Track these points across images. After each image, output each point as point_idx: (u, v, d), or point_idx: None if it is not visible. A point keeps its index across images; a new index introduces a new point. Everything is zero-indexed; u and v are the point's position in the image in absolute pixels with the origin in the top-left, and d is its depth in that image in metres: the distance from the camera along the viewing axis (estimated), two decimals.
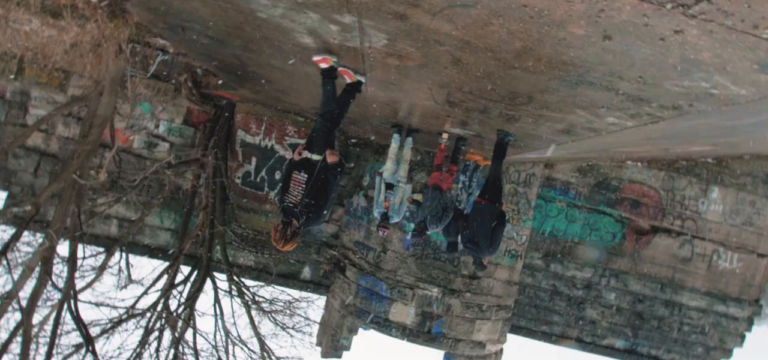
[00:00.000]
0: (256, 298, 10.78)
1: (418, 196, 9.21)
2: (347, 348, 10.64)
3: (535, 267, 11.25)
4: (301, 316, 11.41)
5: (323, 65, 4.24)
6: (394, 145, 7.21)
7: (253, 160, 10.81)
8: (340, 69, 4.31)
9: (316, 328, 11.39)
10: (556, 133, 5.19)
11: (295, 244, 4.03)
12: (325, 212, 4.36)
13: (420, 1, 2.73)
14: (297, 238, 3.98)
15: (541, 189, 10.73)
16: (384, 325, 9.70)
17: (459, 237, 6.35)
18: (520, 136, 5.76)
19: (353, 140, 10.61)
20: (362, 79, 4.54)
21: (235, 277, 10.61)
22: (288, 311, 11.16)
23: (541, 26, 2.60)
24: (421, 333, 9.63)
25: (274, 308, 11.01)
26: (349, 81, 4.51)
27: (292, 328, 11.15)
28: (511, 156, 7.16)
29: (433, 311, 9.56)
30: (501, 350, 10.73)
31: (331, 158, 4.12)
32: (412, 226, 8.69)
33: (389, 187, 7.09)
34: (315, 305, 11.66)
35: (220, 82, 7.32)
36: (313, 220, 4.25)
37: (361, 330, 10.47)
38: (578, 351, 11.97)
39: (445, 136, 6.81)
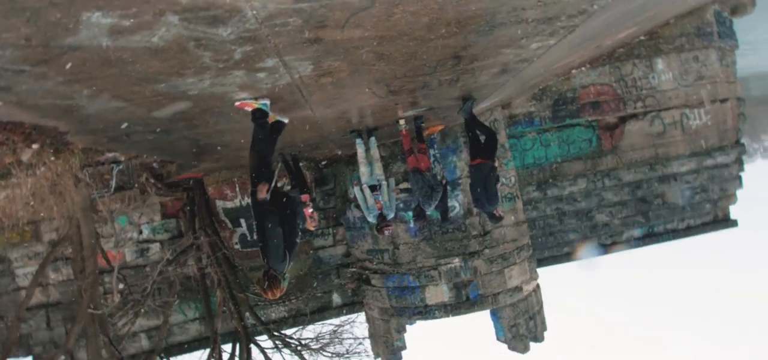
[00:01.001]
0: (303, 342, 10.83)
1: (405, 184, 9.38)
2: (404, 347, 10.75)
3: (534, 200, 11.51)
4: (350, 338, 11.46)
5: (247, 109, 4.31)
6: (360, 151, 7.34)
7: (242, 222, 10.85)
8: (238, 103, 4.25)
9: (367, 343, 11.46)
10: (495, 76, 5.39)
11: (281, 288, 4.11)
12: (296, 241, 4.47)
13: (326, 22, 2.88)
14: (278, 281, 4.06)
15: (508, 129, 10.99)
16: (426, 312, 9.86)
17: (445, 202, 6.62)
18: (469, 92, 5.96)
19: (323, 163, 10.71)
20: (265, 105, 4.36)
21: (275, 333, 10.66)
22: (336, 339, 11.22)
23: None
24: (461, 304, 9.80)
25: (322, 343, 11.06)
26: (249, 109, 4.38)
27: (347, 354, 11.19)
28: (454, 114, 7.37)
29: (462, 279, 9.75)
30: (537, 286, 10.95)
31: (261, 194, 4.14)
32: (411, 213, 8.79)
33: (374, 188, 7.17)
34: (357, 323, 11.73)
35: (175, 167, 7.38)
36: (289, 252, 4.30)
37: (408, 326, 10.60)
38: (604, 256, 12.23)
39: (402, 122, 6.97)
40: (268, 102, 4.30)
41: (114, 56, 2.78)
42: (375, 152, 7.44)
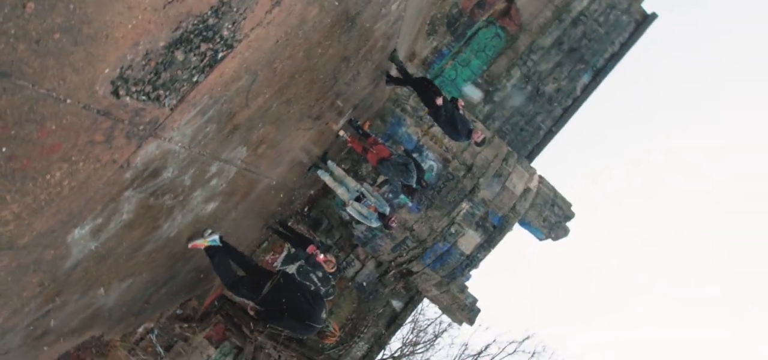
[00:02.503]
0: (396, 356, 11.17)
1: (381, 178, 9.83)
2: (475, 301, 11.19)
3: (488, 112, 12.10)
4: (429, 322, 11.90)
5: (201, 247, 4.80)
6: (327, 179, 7.79)
7: None
8: (193, 244, 4.79)
9: (445, 318, 11.86)
10: (382, 50, 5.90)
11: (331, 331, 4.74)
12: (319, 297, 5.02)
13: (233, 111, 3.34)
14: (324, 331, 4.72)
15: (427, 73, 11.52)
16: (470, 261, 10.30)
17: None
18: (371, 72, 6.46)
19: (306, 210, 11.10)
20: (214, 240, 4.96)
21: None
22: (420, 332, 11.64)
23: (250, 43, 3.25)
24: (492, 235, 10.22)
25: (414, 339, 11.44)
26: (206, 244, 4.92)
27: (434, 337, 11.61)
28: (378, 95, 7.86)
29: (479, 214, 10.17)
30: (540, 177, 11.41)
31: (252, 312, 4.75)
32: (403, 198, 9.21)
33: (359, 199, 7.55)
34: (426, 309, 12.16)
35: (197, 300, 7.72)
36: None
37: (466, 282, 11.05)
38: (577, 115, 12.86)
39: (341, 133, 7.44)
40: (216, 236, 4.80)
41: (104, 250, 3.21)
42: (338, 172, 7.89)
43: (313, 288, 9.47)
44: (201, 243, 4.71)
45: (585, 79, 12.72)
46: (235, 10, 2.41)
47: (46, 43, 1.65)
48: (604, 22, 12.60)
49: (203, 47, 2.43)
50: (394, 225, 7.29)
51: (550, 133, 12.60)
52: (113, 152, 2.47)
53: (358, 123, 7.66)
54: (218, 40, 2.49)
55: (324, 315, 4.79)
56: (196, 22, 2.23)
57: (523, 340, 11.00)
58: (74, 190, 2.44)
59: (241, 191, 4.96)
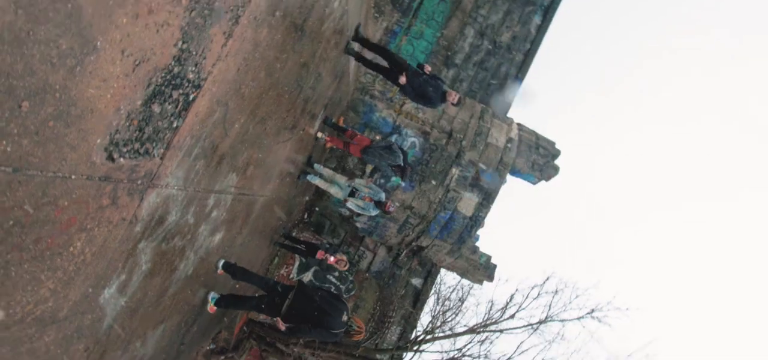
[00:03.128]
0: (429, 330, 11.29)
1: (369, 167, 10.06)
2: (489, 258, 11.49)
3: (453, 76, 12.34)
4: (451, 289, 12.15)
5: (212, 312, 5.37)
6: (318, 182, 8.01)
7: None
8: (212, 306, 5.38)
9: (466, 282, 12.11)
10: (336, 45, 6.09)
11: (358, 327, 5.06)
12: (340, 297, 5.31)
13: (215, 143, 3.55)
14: (349, 329, 5.02)
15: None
16: (474, 222, 10.52)
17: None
18: (332, 70, 6.65)
19: (306, 217, 11.34)
20: (214, 298, 5.45)
21: (407, 345, 11.18)
22: (446, 301, 11.85)
23: (215, 78, 3.46)
24: (487, 196, 10.46)
25: (441, 309, 11.66)
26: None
27: (460, 302, 11.79)
28: (344, 89, 8.04)
29: (470, 175, 10.39)
30: (518, 124, 11.66)
31: (281, 327, 5.09)
32: (396, 180, 9.40)
33: (352, 194, 7.75)
34: (446, 278, 12.39)
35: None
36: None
37: (476, 242, 11.33)
38: (540, 53, 13.13)
39: (319, 135, 7.64)
40: (214, 296, 5.32)
41: (133, 303, 3.43)
42: (327, 172, 8.11)
43: (333, 289, 9.75)
44: (211, 307, 5.29)
45: (536, 19, 12.97)
46: (194, 53, 2.61)
47: (44, 132, 1.86)
48: None
49: (175, 94, 2.64)
50: (392, 209, 7.46)
51: (521, 76, 12.86)
52: (121, 211, 2.69)
53: (333, 121, 7.86)
54: (186, 84, 2.69)
55: (345, 318, 5.03)
56: (163, 74, 2.44)
57: (544, 282, 11.29)
58: (96, 255, 2.66)
59: (241, 216, 5.17)
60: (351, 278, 11.38)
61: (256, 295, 5.90)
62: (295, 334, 5.14)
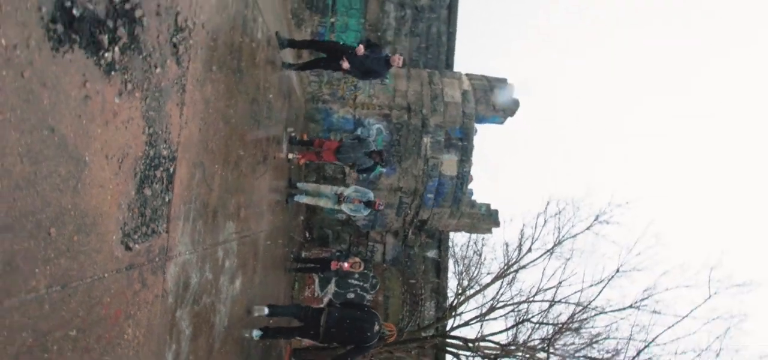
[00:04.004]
0: (462, 290, 11.57)
1: (353, 174, 10.32)
2: (489, 206, 12.09)
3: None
4: (469, 248, 12.61)
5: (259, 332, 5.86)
6: (305, 199, 8.33)
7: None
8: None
9: (476, 236, 12.53)
10: (273, 66, 6.37)
11: (390, 331, 5.66)
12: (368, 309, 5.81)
13: (204, 200, 3.85)
14: (383, 339, 5.58)
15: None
16: (462, 178, 11.02)
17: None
18: (277, 93, 6.93)
19: (307, 236, 11.65)
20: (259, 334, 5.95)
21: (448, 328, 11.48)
22: (464, 261, 12.22)
23: (184, 145, 3.76)
24: (464, 146, 10.95)
25: (464, 269, 12.03)
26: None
27: (479, 256, 12.16)
28: (295, 105, 8.31)
29: (441, 138, 10.80)
30: (467, 75, 12.06)
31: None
32: (377, 168, 9.60)
33: (341, 201, 8.02)
34: (458, 238, 12.81)
35: None
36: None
37: (471, 196, 11.76)
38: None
39: (290, 156, 7.92)
40: (258, 332, 5.78)
41: None
42: (310, 187, 8.42)
43: (359, 290, 10.10)
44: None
45: None
46: (160, 132, 2.91)
47: (73, 247, 2.16)
48: None
49: (158, 173, 2.94)
50: (381, 207, 7.79)
51: (451, 35, 13.22)
52: (152, 290, 2.99)
53: (297, 138, 8.14)
54: (164, 161, 3.00)
55: (377, 327, 5.48)
56: (143, 161, 2.74)
57: (546, 208, 11.72)
58: (146, 335, 2.97)
59: (250, 256, 5.48)
60: (371, 274, 11.76)
61: (292, 326, 6.32)
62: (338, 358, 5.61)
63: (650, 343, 9.60)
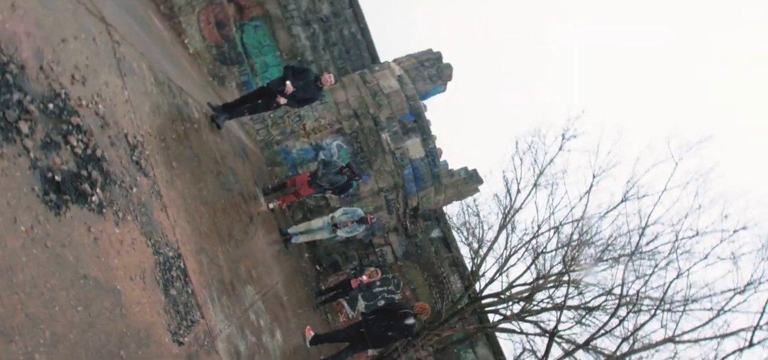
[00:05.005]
0: (480, 257, 12.16)
1: (335, 198, 10.71)
2: (465, 168, 12.80)
3: (318, 71, 13.11)
4: (459, 216, 13.21)
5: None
6: (302, 239, 8.73)
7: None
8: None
9: (467, 201, 13.15)
10: (215, 133, 6.73)
11: (424, 308, 5.96)
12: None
13: (220, 277, 4.24)
14: (419, 320, 6.02)
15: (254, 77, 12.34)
16: (431, 154, 11.73)
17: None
18: (235, 157, 7.30)
19: (318, 268, 12.03)
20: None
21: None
22: (465, 226, 12.80)
23: (182, 239, 4.15)
24: (421, 127, 11.67)
25: (469, 235, 12.63)
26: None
27: (477, 217, 12.73)
28: (254, 159, 8.65)
29: (398, 128, 11.39)
30: (393, 63, 12.62)
31: None
32: (354, 183, 9.94)
33: (338, 227, 8.43)
34: (451, 209, 13.40)
35: None
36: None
37: (447, 167, 12.41)
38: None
39: (271, 206, 8.28)
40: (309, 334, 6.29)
41: None
42: (302, 226, 8.77)
43: (387, 296, 10.61)
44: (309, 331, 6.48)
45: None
46: (160, 239, 3.31)
47: (140, 359, 2.56)
48: None
49: (173, 272, 3.33)
50: (374, 220, 8.27)
51: (364, 31, 13.72)
52: None
53: (269, 187, 8.52)
54: (173, 260, 3.39)
55: (411, 320, 6.14)
56: (158, 268, 3.13)
57: (517, 147, 12.33)
58: None
59: (278, 308, 5.88)
60: (391, 276, 12.27)
61: (343, 349, 6.83)
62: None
63: (646, 225, 10.05)
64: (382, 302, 11.71)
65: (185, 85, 5.90)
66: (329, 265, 12.19)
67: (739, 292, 8.32)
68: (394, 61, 12.78)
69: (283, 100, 6.47)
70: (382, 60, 13.22)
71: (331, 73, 6.70)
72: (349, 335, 6.72)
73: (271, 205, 8.27)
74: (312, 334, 6.81)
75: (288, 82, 6.20)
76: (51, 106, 2.63)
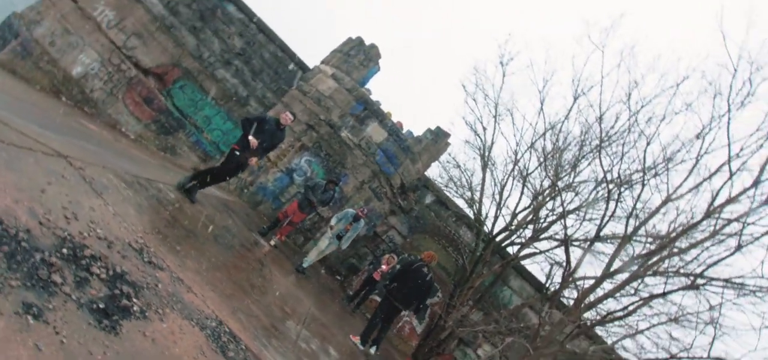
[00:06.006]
0: (479, 201, 12.67)
1: (323, 209, 11.07)
2: (433, 129, 13.28)
3: (257, 102, 13.28)
4: (442, 176, 13.72)
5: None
6: (313, 260, 9.07)
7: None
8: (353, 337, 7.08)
9: (443, 158, 13.61)
10: (192, 202, 7.00)
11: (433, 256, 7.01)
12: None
13: (263, 325, 4.61)
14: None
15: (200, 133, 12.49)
16: (393, 132, 12.24)
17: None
18: (223, 218, 7.57)
19: (339, 278, 12.44)
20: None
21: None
22: (456, 181, 13.32)
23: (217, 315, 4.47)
24: (373, 110, 12.20)
25: (461, 185, 13.13)
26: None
27: (459, 168, 13.20)
28: (241, 213, 8.91)
29: (352, 121, 11.90)
30: (321, 65, 13.10)
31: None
32: (336, 188, 10.32)
33: (341, 236, 8.83)
34: (433, 172, 13.84)
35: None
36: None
37: (412, 136, 12.86)
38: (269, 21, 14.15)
39: (272, 242, 8.61)
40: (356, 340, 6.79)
41: None
42: (313, 252, 8.99)
43: (412, 266, 11.37)
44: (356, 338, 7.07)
45: (230, 8, 13.96)
46: (198, 315, 3.65)
47: None
48: None
49: (223, 338, 3.69)
50: (365, 211, 8.80)
51: (283, 46, 13.92)
52: None
53: (265, 228, 8.83)
54: (217, 328, 3.74)
55: (426, 269, 7.02)
56: (211, 339, 3.49)
57: (465, 91, 12.79)
58: None
59: (320, 328, 6.28)
60: (407, 255, 12.81)
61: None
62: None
63: (602, 114, 10.58)
64: None
65: (149, 173, 6.15)
66: (347, 271, 12.62)
67: (705, 134, 8.92)
68: (322, 62, 13.24)
69: (254, 161, 6.55)
70: (311, 66, 13.63)
71: (285, 111, 6.81)
72: (383, 311, 7.23)
73: (272, 243, 8.61)
74: (357, 338, 7.23)
75: (250, 138, 6.28)
76: (64, 250, 2.93)
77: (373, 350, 7.16)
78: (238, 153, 6.34)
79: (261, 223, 9.53)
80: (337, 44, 13.44)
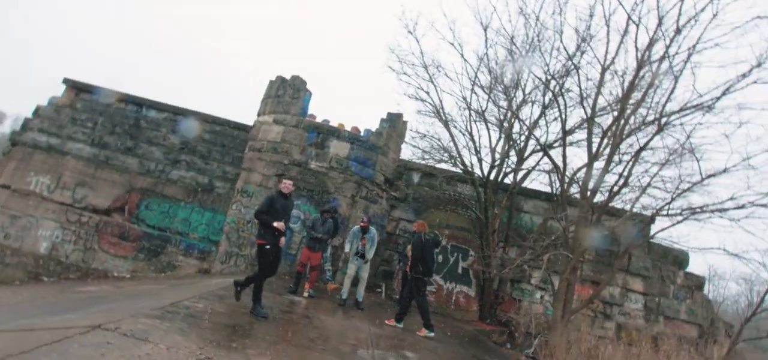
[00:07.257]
0: (470, 166, 13.07)
1: (335, 240, 11.35)
2: (383, 119, 13.52)
3: (221, 177, 13.38)
4: (423, 156, 14.08)
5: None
6: (348, 287, 9.34)
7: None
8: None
9: (428, 144, 13.90)
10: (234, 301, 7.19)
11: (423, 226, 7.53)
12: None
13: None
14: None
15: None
16: (353, 139, 12.72)
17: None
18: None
19: (380, 291, 12.74)
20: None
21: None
22: (433, 154, 13.68)
23: None
24: (328, 131, 12.88)
25: (442, 156, 13.54)
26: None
27: (439, 140, 13.55)
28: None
29: (315, 150, 12.30)
30: (258, 119, 14.26)
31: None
32: (336, 217, 10.57)
33: (362, 256, 9.17)
34: (406, 152, 14.24)
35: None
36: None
37: (372, 131, 13.18)
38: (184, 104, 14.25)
39: (306, 294, 8.86)
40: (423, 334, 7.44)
41: None
42: (346, 283, 9.26)
43: (422, 242, 11.85)
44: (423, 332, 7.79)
45: (151, 114, 14.01)
46: None
47: None
48: None
49: None
50: (366, 220, 9.31)
51: (216, 120, 14.16)
52: None
53: (293, 287, 9.11)
54: None
55: (435, 234, 7.96)
56: None
57: (394, 70, 13.18)
58: None
59: (387, 341, 6.55)
60: (423, 240, 13.33)
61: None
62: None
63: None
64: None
65: (167, 298, 6.32)
66: (384, 279, 12.93)
67: None
68: (259, 114, 13.84)
69: (282, 241, 6.42)
70: (251, 122, 14.15)
71: (283, 181, 6.87)
72: (412, 291, 8.21)
73: (305, 295, 8.86)
74: (424, 332, 7.69)
75: (276, 224, 6.27)
76: None
77: (429, 334, 7.95)
78: (268, 247, 6.30)
79: (286, 284, 9.76)
80: (261, 92, 14.12)
